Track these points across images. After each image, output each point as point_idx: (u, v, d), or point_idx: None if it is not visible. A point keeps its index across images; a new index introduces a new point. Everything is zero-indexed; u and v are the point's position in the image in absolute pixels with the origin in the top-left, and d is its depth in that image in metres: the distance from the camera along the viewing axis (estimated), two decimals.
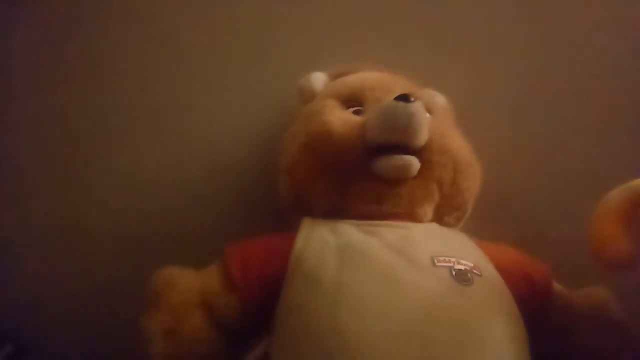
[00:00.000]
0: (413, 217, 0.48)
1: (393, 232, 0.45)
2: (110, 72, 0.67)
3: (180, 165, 0.64)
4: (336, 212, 0.49)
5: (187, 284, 0.46)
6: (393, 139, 0.47)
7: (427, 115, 0.49)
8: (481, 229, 0.52)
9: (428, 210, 0.50)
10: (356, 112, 0.51)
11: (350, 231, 0.45)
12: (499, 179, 0.58)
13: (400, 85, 0.53)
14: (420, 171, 0.48)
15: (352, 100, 0.52)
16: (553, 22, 0.66)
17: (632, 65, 0.64)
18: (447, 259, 0.42)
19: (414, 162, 0.47)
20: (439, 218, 0.51)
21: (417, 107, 0.46)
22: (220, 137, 0.65)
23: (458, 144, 0.52)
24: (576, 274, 0.50)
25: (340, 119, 0.50)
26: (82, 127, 0.67)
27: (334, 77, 0.58)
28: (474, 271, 0.42)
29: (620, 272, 0.46)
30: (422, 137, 0.47)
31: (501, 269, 0.45)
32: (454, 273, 0.41)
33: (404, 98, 0.46)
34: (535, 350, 0.44)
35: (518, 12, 0.66)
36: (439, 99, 0.58)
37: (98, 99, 0.67)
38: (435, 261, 0.42)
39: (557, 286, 0.50)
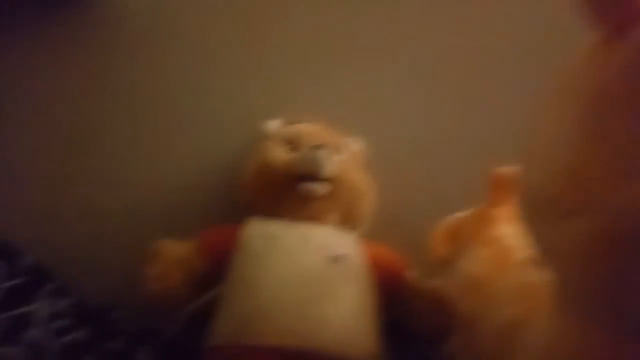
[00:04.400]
0: (320, 222, 0.76)
1: (301, 229, 0.73)
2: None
3: (178, 174, 0.91)
4: (272, 215, 0.76)
5: (173, 249, 0.74)
6: (306, 172, 0.75)
7: (339, 156, 0.78)
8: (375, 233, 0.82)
9: (331, 219, 0.77)
10: (292, 149, 0.78)
11: (275, 226, 0.74)
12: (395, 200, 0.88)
13: (325, 136, 0.81)
14: (328, 193, 0.76)
15: (290, 143, 0.79)
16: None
17: None
18: (329, 246, 0.71)
19: (319, 187, 0.75)
20: (340, 224, 0.78)
21: (321, 153, 0.74)
22: (203, 156, 0.90)
23: (356, 176, 0.80)
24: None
25: (277, 156, 0.77)
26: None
27: (286, 123, 0.85)
28: (345, 256, 0.71)
29: (441, 265, 0.74)
30: (325, 172, 0.74)
31: (369, 258, 0.73)
32: (331, 256, 0.70)
33: (315, 147, 0.75)
34: (388, 314, 0.72)
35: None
36: (353, 144, 0.85)
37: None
38: (321, 247, 0.70)
39: (410, 274, 0.77)
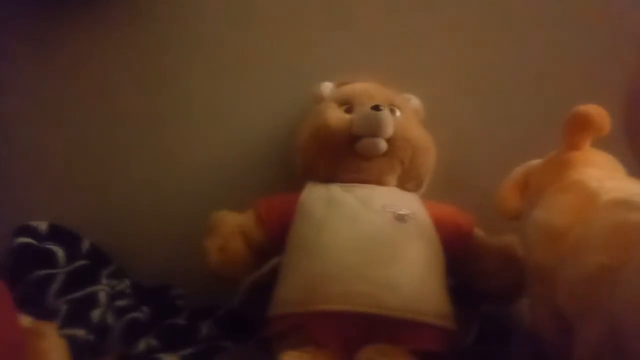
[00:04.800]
0: (380, 183, 0.73)
1: (362, 190, 0.70)
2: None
3: (224, 144, 0.90)
4: (330, 178, 0.73)
5: (232, 220, 0.72)
6: (368, 132, 0.71)
7: (397, 114, 0.74)
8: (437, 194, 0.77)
9: (392, 179, 0.74)
10: (347, 110, 0.75)
11: (335, 189, 0.71)
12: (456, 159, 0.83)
13: (380, 93, 0.77)
14: (386, 152, 0.72)
15: (346, 103, 0.76)
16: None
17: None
18: (393, 206, 0.67)
19: (380, 144, 0.71)
20: (400, 185, 0.75)
21: (383, 114, 0.71)
22: (253, 127, 0.88)
23: (416, 133, 0.76)
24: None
25: (335, 116, 0.74)
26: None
27: (338, 85, 0.82)
28: (410, 215, 0.67)
29: (512, 220, 0.69)
30: (387, 133, 0.71)
31: (434, 218, 0.69)
32: (395, 215, 0.66)
33: (375, 107, 0.71)
34: (455, 275, 0.68)
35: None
36: (411, 102, 0.81)
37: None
38: (385, 207, 0.67)
39: (477, 231, 0.73)
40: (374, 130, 0.71)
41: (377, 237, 0.64)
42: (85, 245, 0.82)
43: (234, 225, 0.72)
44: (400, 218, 0.66)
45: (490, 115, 0.87)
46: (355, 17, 0.89)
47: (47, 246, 0.76)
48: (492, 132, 0.86)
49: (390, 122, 0.72)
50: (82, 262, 0.77)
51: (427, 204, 0.72)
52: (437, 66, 0.87)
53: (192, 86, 0.90)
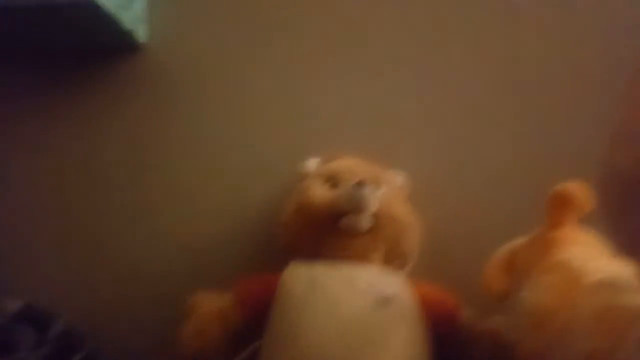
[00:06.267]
0: (364, 261, 0.71)
1: (345, 269, 0.68)
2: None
3: (209, 220, 0.88)
4: (314, 256, 0.71)
5: (210, 303, 0.70)
6: (350, 209, 0.70)
7: (381, 190, 0.73)
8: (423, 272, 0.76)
9: (376, 257, 0.72)
10: (332, 186, 0.74)
11: (317, 268, 0.69)
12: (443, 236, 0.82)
13: (365, 170, 0.77)
14: (370, 229, 0.71)
15: (331, 180, 0.75)
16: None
17: None
18: (377, 286, 0.65)
19: (363, 220, 0.70)
20: (385, 263, 0.73)
21: (365, 190, 0.69)
22: (241, 200, 0.87)
23: (401, 210, 0.74)
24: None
25: (318, 192, 0.73)
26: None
27: (325, 160, 0.81)
28: (395, 297, 0.65)
29: (499, 301, 0.67)
30: (370, 209, 0.70)
31: (420, 299, 0.67)
32: (379, 297, 0.64)
33: (359, 184, 0.70)
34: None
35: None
36: (396, 178, 0.80)
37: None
38: (368, 288, 0.65)
39: (465, 313, 0.70)
40: (357, 206, 0.70)
41: (359, 323, 0.62)
42: (57, 328, 0.77)
43: (212, 309, 0.70)
44: (384, 300, 0.64)
45: (479, 190, 0.86)
46: (344, 89, 0.90)
47: (14, 328, 0.72)
48: (480, 207, 0.85)
49: (373, 199, 0.71)
50: (49, 349, 0.73)
51: (413, 284, 0.70)
52: (425, 141, 0.88)
53: (176, 156, 0.90)
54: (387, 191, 0.76)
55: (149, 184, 0.90)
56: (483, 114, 0.87)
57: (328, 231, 0.71)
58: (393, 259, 0.74)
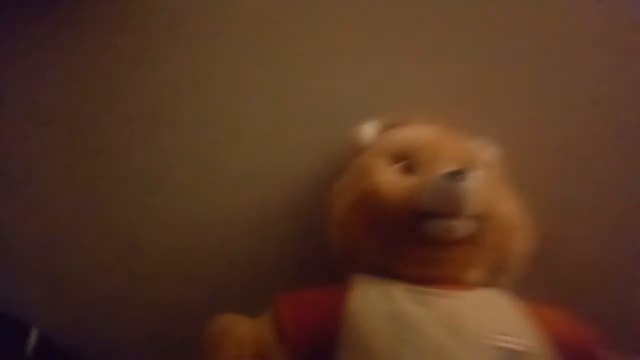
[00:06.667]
0: (459, 282, 0.49)
1: (443, 303, 0.46)
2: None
3: (235, 209, 0.66)
4: (384, 271, 0.50)
5: (242, 335, 0.49)
6: (442, 211, 0.47)
7: (482, 177, 0.50)
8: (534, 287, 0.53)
9: (473, 275, 0.50)
10: (405, 170, 0.52)
11: (401, 298, 0.46)
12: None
13: (450, 146, 0.54)
14: (470, 236, 0.48)
15: (402, 158, 0.52)
16: None
17: None
18: (495, 336, 0.43)
19: (461, 226, 0.48)
20: (487, 281, 0.51)
21: (469, 185, 0.46)
22: (270, 179, 0.66)
23: (508, 207, 0.52)
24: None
25: (389, 181, 0.50)
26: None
27: (386, 127, 0.58)
28: (523, 350, 0.43)
29: None
30: (472, 211, 0.47)
31: (551, 341, 0.46)
32: (502, 353, 0.42)
33: (454, 174, 0.47)
34: None
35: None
36: (489, 152, 0.57)
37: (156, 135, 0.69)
38: (484, 339, 0.42)
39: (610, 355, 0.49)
40: (454, 208, 0.47)
41: None
42: (32, 341, 0.66)
43: (244, 343, 0.48)
44: (511, 357, 0.42)
45: (593, 166, 0.62)
46: (405, 38, 0.66)
47: None
48: (598, 190, 0.62)
49: (476, 195, 0.48)
50: None
51: (533, 316, 0.48)
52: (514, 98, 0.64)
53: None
54: (485, 177, 0.52)
55: (160, 144, 0.68)
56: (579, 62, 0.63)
57: (405, 237, 0.49)
58: (499, 274, 0.52)
